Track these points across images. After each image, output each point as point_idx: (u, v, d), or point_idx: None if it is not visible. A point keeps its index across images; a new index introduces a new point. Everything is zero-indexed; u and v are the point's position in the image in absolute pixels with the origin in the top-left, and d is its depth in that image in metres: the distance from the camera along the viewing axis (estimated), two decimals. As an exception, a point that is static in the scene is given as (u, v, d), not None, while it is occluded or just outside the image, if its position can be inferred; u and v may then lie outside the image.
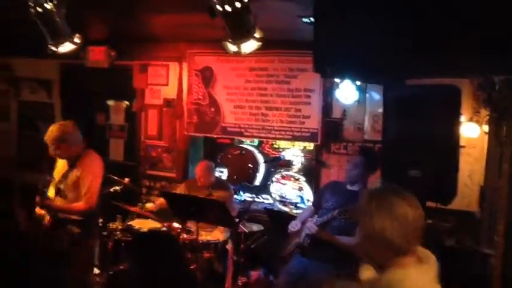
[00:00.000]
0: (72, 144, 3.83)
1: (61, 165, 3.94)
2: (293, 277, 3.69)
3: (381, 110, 4.19)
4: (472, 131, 4.30)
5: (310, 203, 4.55)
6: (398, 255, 1.66)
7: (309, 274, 3.58)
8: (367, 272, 1.80)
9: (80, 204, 3.72)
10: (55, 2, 2.93)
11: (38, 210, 3.87)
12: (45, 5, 2.91)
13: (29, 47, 4.71)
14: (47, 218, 3.81)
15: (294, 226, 3.81)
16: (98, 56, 5.58)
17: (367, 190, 1.84)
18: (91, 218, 3.86)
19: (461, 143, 3.06)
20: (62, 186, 3.80)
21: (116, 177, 4.71)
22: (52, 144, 3.78)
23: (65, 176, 3.82)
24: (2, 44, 5.90)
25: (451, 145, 2.66)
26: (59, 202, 3.78)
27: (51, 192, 3.87)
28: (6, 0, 3.47)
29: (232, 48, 2.94)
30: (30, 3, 2.91)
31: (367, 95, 4.79)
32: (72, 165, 3.82)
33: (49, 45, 3.28)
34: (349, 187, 3.70)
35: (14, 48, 5.99)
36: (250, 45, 2.92)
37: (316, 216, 3.70)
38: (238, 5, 2.53)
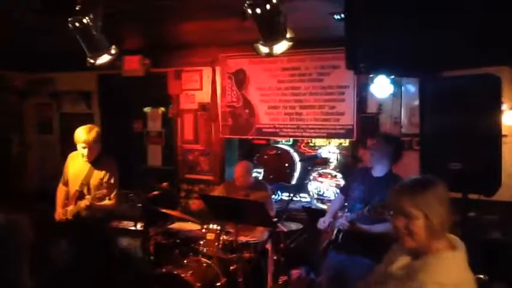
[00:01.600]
0: (100, 146, 4.09)
1: (76, 169, 4.12)
2: (331, 272, 3.71)
3: (417, 103, 4.12)
4: (514, 119, 4.17)
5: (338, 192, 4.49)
6: (435, 239, 1.73)
7: (345, 269, 3.59)
8: (400, 263, 1.84)
9: (112, 203, 4.01)
10: (92, 17, 3.04)
11: (58, 215, 4.10)
12: (83, 20, 3.02)
13: (68, 61, 4.90)
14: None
15: (322, 224, 3.83)
16: (133, 65, 5.72)
17: (405, 183, 1.85)
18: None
19: (503, 132, 2.96)
20: (85, 190, 4.01)
21: (155, 182, 4.81)
22: (87, 146, 3.96)
23: (86, 179, 4.03)
24: (43, 60, 6.17)
25: (493, 135, 2.58)
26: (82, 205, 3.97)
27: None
28: (45, 17, 3.61)
29: (264, 49, 2.96)
30: (69, 19, 3.03)
31: (403, 88, 4.71)
32: (95, 167, 4.05)
33: (88, 58, 3.39)
34: (374, 174, 3.66)
35: (54, 62, 6.23)
36: (281, 46, 2.93)
37: (346, 210, 3.68)
38: (268, 7, 2.55)
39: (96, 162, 4.07)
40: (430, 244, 1.73)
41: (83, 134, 3.97)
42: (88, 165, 4.06)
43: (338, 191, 5.43)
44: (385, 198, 3.33)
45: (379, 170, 3.64)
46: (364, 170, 3.84)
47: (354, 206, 3.63)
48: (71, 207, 4.03)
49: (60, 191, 4.24)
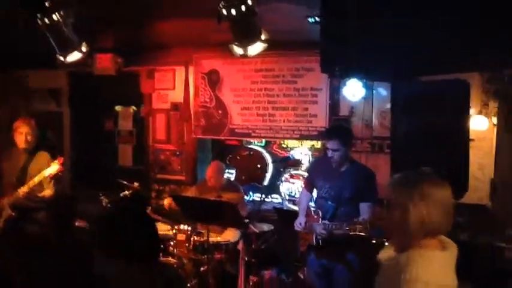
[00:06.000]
0: (37, 138, 4.28)
1: (11, 162, 4.21)
2: (317, 273, 3.77)
3: (388, 106, 4.19)
4: (481, 124, 4.29)
5: (302, 188, 4.36)
6: (425, 237, 1.68)
7: (331, 273, 3.67)
8: (387, 252, 1.81)
9: (48, 192, 4.14)
10: (62, 13, 2.96)
11: None
12: (53, 16, 2.93)
13: (38, 58, 4.78)
14: (8, 211, 4.04)
15: (298, 226, 3.83)
16: (105, 63, 5.62)
17: (394, 180, 1.81)
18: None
19: (471, 136, 3.04)
20: (24, 178, 4.09)
21: (125, 182, 4.74)
22: (30, 133, 4.16)
23: (24, 166, 4.15)
24: (15, 57, 5.97)
25: (462, 139, 2.65)
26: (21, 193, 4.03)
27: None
28: (15, 13, 3.50)
29: (238, 51, 2.96)
30: (38, 15, 2.94)
31: (374, 91, 4.78)
32: (32, 156, 4.20)
33: (57, 55, 3.31)
34: (338, 169, 3.68)
35: (25, 60, 6.04)
36: (256, 48, 2.94)
37: (321, 219, 3.68)
38: (243, 8, 2.54)
39: (33, 152, 4.23)
40: (417, 240, 1.70)
41: (24, 123, 4.18)
42: (25, 155, 4.20)
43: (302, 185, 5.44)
44: (353, 191, 3.49)
45: (342, 166, 3.66)
46: (324, 163, 3.80)
47: (325, 206, 3.66)
48: (6, 200, 4.04)
49: None
